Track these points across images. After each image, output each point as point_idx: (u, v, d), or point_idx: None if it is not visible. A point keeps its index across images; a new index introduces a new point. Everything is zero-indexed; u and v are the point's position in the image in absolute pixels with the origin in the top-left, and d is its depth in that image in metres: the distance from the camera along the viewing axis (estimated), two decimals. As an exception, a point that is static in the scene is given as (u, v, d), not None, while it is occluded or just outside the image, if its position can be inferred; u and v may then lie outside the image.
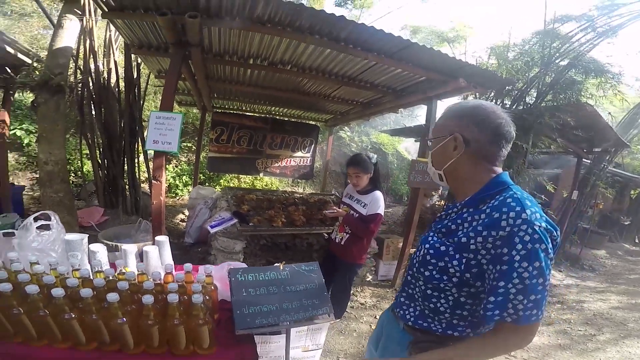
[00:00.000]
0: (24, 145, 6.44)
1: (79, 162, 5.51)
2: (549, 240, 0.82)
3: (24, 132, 6.37)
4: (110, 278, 1.37)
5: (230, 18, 2.28)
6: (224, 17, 2.27)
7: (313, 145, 6.06)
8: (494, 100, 4.51)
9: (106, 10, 2.32)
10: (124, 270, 1.50)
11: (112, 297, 1.15)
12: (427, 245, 1.00)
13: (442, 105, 4.08)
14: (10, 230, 1.62)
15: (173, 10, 2.12)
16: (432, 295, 0.99)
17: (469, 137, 0.95)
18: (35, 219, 1.68)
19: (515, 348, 0.89)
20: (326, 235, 2.84)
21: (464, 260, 0.89)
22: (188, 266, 1.55)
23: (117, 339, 1.22)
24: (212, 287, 1.51)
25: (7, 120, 3.92)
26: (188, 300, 1.26)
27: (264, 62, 3.24)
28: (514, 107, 4.30)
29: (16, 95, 5.54)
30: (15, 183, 5.15)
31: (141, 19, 2.38)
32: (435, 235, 1.01)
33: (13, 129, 6.30)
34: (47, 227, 1.71)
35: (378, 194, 2.49)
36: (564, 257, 5.86)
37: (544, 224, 0.83)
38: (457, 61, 2.85)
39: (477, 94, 3.96)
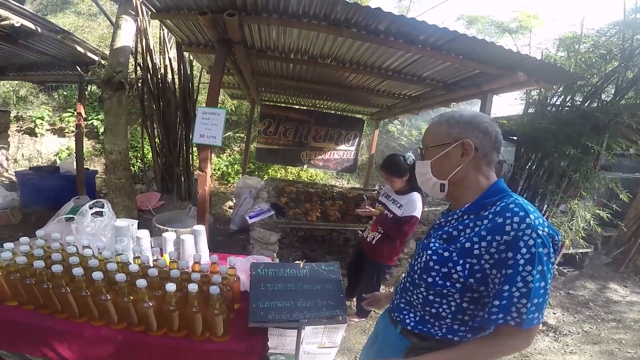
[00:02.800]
0: (99, 134, 7.28)
1: (142, 149, 6.06)
2: (551, 245, 0.84)
3: (99, 122, 7.19)
4: (145, 264, 1.51)
5: (267, 14, 2.31)
6: (261, 14, 2.31)
7: (357, 139, 5.98)
8: (562, 96, 4.04)
9: (154, 11, 2.49)
10: (158, 257, 1.64)
11: (141, 283, 1.27)
12: (429, 252, 1.00)
13: (498, 100, 3.75)
14: (71, 216, 1.85)
15: (212, 9, 2.21)
16: (434, 300, 1.00)
17: (476, 143, 0.96)
18: (91, 206, 1.90)
19: (515, 351, 0.90)
20: (360, 232, 2.81)
21: (467, 266, 0.91)
22: (214, 257, 1.63)
23: (143, 321, 1.33)
24: (235, 279, 1.59)
25: (83, 112, 4.46)
26: (208, 289, 1.33)
27: (304, 56, 3.25)
28: (585, 104, 3.81)
29: (92, 88, 6.25)
30: (91, 168, 5.85)
31: (185, 19, 2.51)
32: (437, 241, 1.01)
33: (90, 119, 7.15)
34: (101, 214, 1.92)
35: (415, 195, 2.40)
36: (633, 272, 5.15)
37: (546, 229, 0.84)
38: (515, 53, 2.58)
39: (540, 88, 3.57)
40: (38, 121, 7.13)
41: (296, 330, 1.49)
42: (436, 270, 0.96)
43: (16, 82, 7.07)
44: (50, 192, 4.59)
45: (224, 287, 1.45)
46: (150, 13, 2.54)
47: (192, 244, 1.84)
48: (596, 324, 3.68)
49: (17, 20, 2.60)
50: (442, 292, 0.96)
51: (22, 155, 7.00)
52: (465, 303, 0.95)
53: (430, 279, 0.98)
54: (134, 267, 1.39)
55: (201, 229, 1.94)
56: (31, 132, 7.19)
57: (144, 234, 1.85)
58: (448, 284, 0.94)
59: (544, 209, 3.86)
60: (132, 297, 1.31)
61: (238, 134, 9.00)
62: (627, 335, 3.49)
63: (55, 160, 6.96)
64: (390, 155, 2.55)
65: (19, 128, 7.19)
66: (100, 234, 1.76)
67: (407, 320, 1.08)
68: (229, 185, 7.80)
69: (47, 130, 7.36)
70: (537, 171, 4.09)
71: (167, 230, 3.19)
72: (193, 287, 1.28)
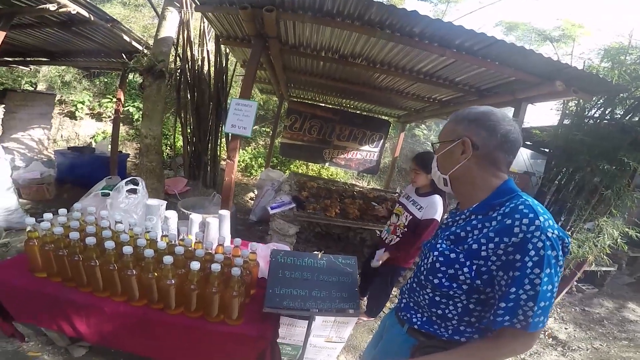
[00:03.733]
0: (134, 120, 7.62)
1: (173, 137, 6.30)
2: (560, 248, 0.83)
3: (135, 109, 7.52)
4: (172, 242, 1.58)
5: (303, 11, 2.36)
6: (297, 11, 2.36)
7: (382, 141, 5.94)
8: (602, 109, 3.86)
9: (198, 3, 2.61)
10: (184, 237, 1.72)
11: (167, 259, 1.33)
12: (435, 253, 0.99)
13: (534, 110, 3.63)
14: (106, 191, 1.98)
15: (252, 4, 2.28)
16: (440, 302, 0.99)
17: (477, 142, 0.95)
18: (127, 183, 2.02)
19: (517, 353, 0.89)
20: (378, 232, 2.81)
21: (474, 267, 0.90)
22: (237, 241, 1.69)
23: (163, 298, 1.40)
24: (254, 264, 1.64)
25: (122, 98, 4.69)
26: (229, 272, 1.39)
27: (335, 54, 3.28)
28: (626, 117, 3.63)
29: (131, 76, 6.55)
30: (123, 151, 6.12)
31: (227, 12, 2.61)
32: (444, 242, 1.00)
33: (127, 106, 7.48)
34: (134, 191, 2.04)
35: (437, 198, 2.37)
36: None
37: (556, 232, 0.83)
38: (554, 62, 2.50)
39: (578, 99, 3.43)
40: (79, 105, 7.54)
41: (307, 321, 1.53)
42: (442, 272, 0.96)
43: (63, 67, 7.51)
44: (84, 171, 4.85)
45: (244, 270, 1.50)
46: (194, 6, 2.65)
47: (217, 227, 1.92)
48: (607, 341, 3.61)
49: (73, 8, 2.75)
50: (448, 294, 0.96)
51: (61, 136, 7.42)
52: (472, 304, 0.94)
53: (436, 281, 0.97)
54: (161, 244, 1.46)
55: (226, 213, 2.01)
56: (71, 116, 7.61)
57: (172, 214, 1.95)
58: (454, 285, 0.94)
59: (570, 224, 3.72)
60: (156, 274, 1.37)
61: (264, 128, 9.15)
62: (638, 355, 3.41)
63: (90, 142, 7.34)
64: (426, 151, 2.54)
65: (61, 111, 7.63)
66: (133, 210, 1.87)
67: (414, 320, 1.08)
68: (252, 177, 7.96)
69: (86, 114, 7.77)
70: (566, 185, 3.94)
71: (191, 215, 3.34)
72: (216, 267, 1.34)
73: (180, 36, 4.46)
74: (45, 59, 5.00)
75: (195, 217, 1.96)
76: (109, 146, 5.05)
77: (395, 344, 1.15)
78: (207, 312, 1.42)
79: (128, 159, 5.81)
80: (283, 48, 3.20)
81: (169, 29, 3.46)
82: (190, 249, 1.53)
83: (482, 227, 0.92)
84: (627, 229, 3.55)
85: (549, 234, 0.81)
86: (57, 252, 1.45)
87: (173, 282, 1.36)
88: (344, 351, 2.58)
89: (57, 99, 7.35)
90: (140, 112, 7.59)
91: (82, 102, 7.58)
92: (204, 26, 4.65)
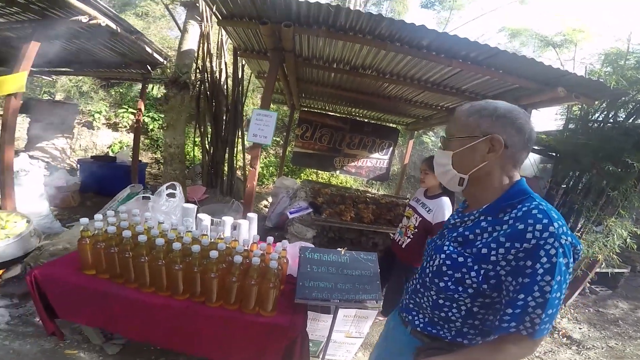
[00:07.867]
0: (149, 130, 7.87)
1: (193, 148, 6.50)
2: (572, 255, 0.82)
3: (150, 119, 7.78)
4: (212, 240, 1.75)
5: (317, 26, 2.55)
6: (313, 26, 2.55)
7: (391, 148, 6.10)
8: (606, 112, 3.98)
9: (220, 18, 2.80)
10: (222, 236, 1.88)
11: (213, 254, 1.49)
12: (442, 256, 0.96)
13: (537, 115, 3.75)
14: (148, 195, 2.16)
15: (272, 20, 2.47)
16: (443, 304, 0.97)
17: (507, 141, 0.89)
18: (167, 188, 2.20)
19: (520, 358, 0.87)
20: (392, 235, 2.93)
21: (482, 272, 0.88)
22: (270, 239, 1.86)
23: (205, 292, 1.54)
24: (285, 260, 1.81)
25: (142, 108, 4.91)
26: (265, 267, 1.55)
27: (346, 66, 3.47)
28: (629, 120, 3.75)
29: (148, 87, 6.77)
30: (142, 161, 6.35)
31: (247, 27, 2.80)
32: (451, 244, 0.96)
33: (142, 116, 7.75)
34: (172, 195, 2.22)
35: (445, 199, 2.45)
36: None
37: (569, 238, 0.81)
38: (555, 70, 2.65)
39: (582, 104, 3.55)
40: (96, 115, 7.83)
41: (330, 313, 1.66)
42: (449, 275, 0.93)
43: (80, 77, 7.79)
44: (106, 179, 5.08)
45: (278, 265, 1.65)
46: (217, 20, 2.84)
47: (247, 228, 2.09)
48: (622, 340, 3.63)
49: (103, 20, 2.89)
50: (452, 297, 0.93)
51: (80, 145, 7.69)
52: (476, 308, 0.92)
53: (442, 284, 0.95)
54: (205, 241, 1.63)
55: (254, 216, 2.18)
56: (89, 125, 7.89)
57: (205, 216, 2.13)
58: (460, 289, 0.91)
59: (580, 225, 3.82)
60: (201, 268, 1.52)
61: (274, 138, 9.37)
62: (654, 351, 3.42)
63: (107, 152, 7.60)
64: None
65: (79, 121, 7.91)
66: (172, 212, 2.05)
67: (416, 322, 1.06)
68: (263, 185, 8.14)
69: (103, 124, 8.05)
70: (574, 187, 4.04)
71: (212, 221, 3.51)
72: (256, 261, 1.50)
73: (200, 48, 4.67)
74: (69, 69, 5.17)
75: (227, 220, 2.13)
76: (129, 155, 5.27)
77: (399, 344, 1.13)
78: (244, 304, 1.56)
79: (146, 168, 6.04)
80: (297, 60, 3.38)
81: (191, 41, 3.66)
82: (229, 246, 1.69)
83: (492, 231, 0.89)
84: (636, 229, 3.62)
85: (563, 241, 0.79)
86: (109, 249, 1.58)
87: (216, 275, 1.50)
88: (361, 348, 2.67)
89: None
90: (154, 123, 7.89)
91: (99, 112, 7.86)
92: (221, 38, 4.86)
